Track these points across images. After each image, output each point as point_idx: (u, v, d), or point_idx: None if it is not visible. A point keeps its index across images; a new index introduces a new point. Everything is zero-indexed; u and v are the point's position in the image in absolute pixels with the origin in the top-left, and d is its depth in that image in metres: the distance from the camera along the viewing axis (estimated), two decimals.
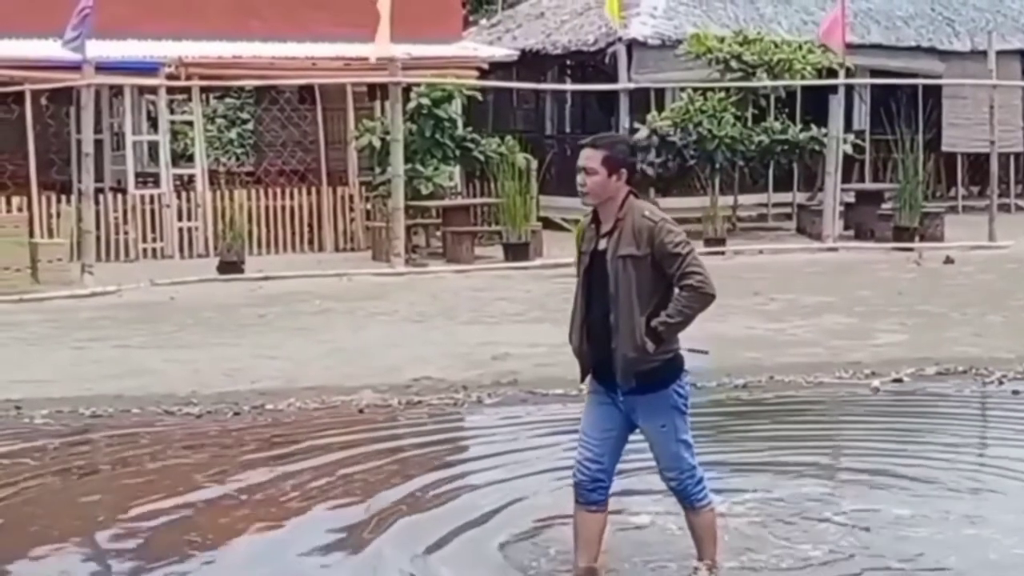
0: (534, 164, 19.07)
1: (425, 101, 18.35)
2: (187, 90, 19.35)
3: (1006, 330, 12.31)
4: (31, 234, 16.11)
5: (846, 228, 20.00)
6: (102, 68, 16.70)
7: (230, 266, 16.43)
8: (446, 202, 18.87)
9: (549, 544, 6.53)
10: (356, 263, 17.39)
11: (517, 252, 17.16)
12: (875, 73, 22.70)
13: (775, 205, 22.18)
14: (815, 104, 20.60)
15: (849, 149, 19.95)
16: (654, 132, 19.75)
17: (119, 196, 18.23)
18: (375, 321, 13.21)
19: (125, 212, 17.99)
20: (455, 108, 18.99)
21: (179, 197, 18.39)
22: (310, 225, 18.95)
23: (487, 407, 9.85)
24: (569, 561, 6.13)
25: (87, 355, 11.48)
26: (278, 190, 18.99)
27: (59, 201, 17.47)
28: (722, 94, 19.92)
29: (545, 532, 6.75)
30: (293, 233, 18.85)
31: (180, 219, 18.22)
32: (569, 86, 24.61)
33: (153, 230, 18.11)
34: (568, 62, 25.08)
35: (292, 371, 10.72)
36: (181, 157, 22.09)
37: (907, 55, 23.51)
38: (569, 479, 6.07)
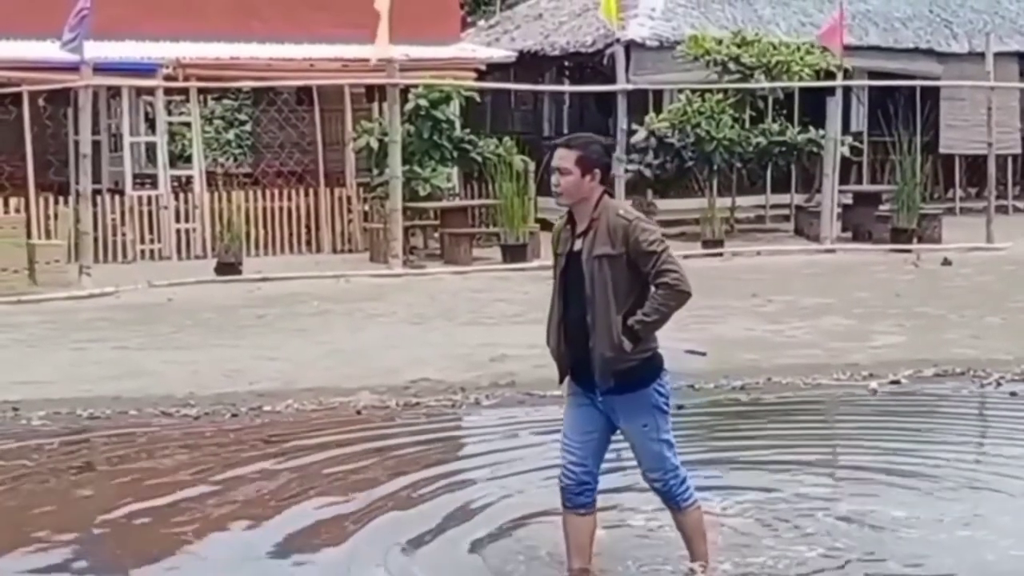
0: (532, 165, 19.07)
1: (423, 102, 18.36)
2: (185, 91, 19.35)
3: (1004, 332, 12.32)
4: (29, 235, 16.10)
5: (844, 230, 20.02)
6: (100, 69, 16.70)
7: (228, 267, 16.43)
8: (444, 203, 18.87)
9: (528, 541, 6.57)
10: (354, 264, 17.39)
11: (515, 253, 17.16)
12: (873, 75, 22.71)
13: (773, 207, 22.19)
14: (813, 106, 20.62)
15: (847, 151, 19.96)
16: (652, 133, 19.76)
17: (117, 197, 18.21)
18: (373, 322, 13.21)
19: (123, 213, 17.98)
20: (453, 109, 19.00)
21: (177, 198, 18.38)
22: (308, 226, 18.94)
23: (485, 408, 9.85)
24: (551, 559, 6.16)
25: (85, 356, 11.48)
26: (276, 191, 18.99)
27: (57, 202, 17.47)
28: (720, 96, 19.93)
29: (527, 531, 6.79)
30: (291, 234, 18.85)
31: (178, 220, 18.21)
32: (567, 87, 24.60)
33: (151, 231, 18.10)
34: (566, 63, 25.07)
35: (290, 372, 10.72)
36: (179, 158, 22.08)
37: (905, 57, 23.51)
38: (556, 479, 6.07)
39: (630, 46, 21.23)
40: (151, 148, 19.81)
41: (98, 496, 7.84)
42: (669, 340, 11.60)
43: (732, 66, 20.29)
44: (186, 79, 18.52)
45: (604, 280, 5.65)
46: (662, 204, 20.85)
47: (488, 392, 10.10)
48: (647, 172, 19.83)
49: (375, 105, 19.76)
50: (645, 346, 5.73)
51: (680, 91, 20.41)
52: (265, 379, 10.47)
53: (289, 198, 18.90)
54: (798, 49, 20.61)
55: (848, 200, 20.61)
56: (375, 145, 18.15)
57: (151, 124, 20.47)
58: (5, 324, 13.10)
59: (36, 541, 6.91)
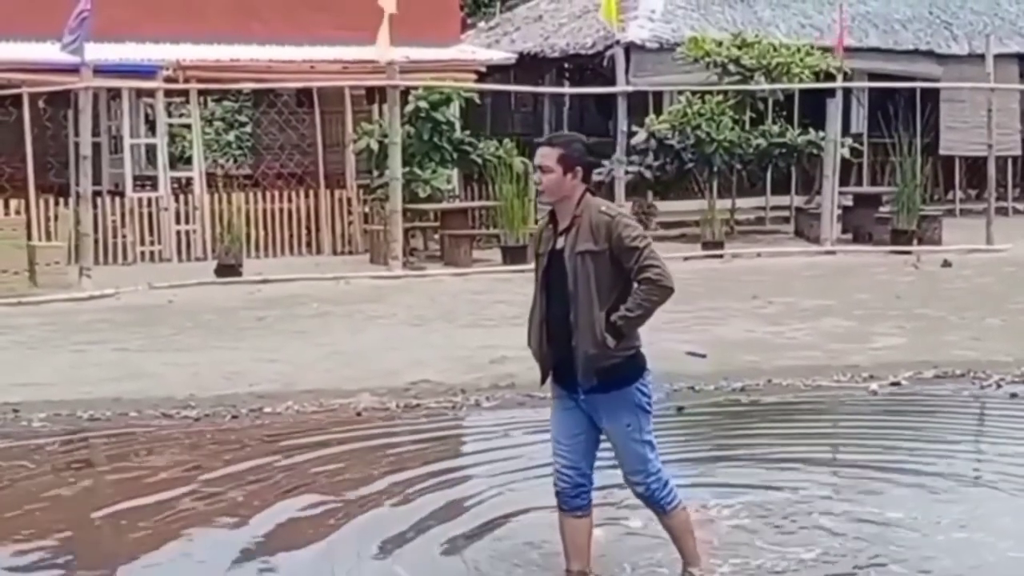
0: (532, 167, 19.05)
1: (423, 104, 18.36)
2: (185, 93, 19.35)
3: (1004, 333, 12.32)
4: (29, 237, 16.09)
5: (844, 231, 20.03)
6: (100, 71, 16.70)
7: (228, 269, 16.43)
8: (444, 205, 18.87)
9: (516, 540, 6.64)
10: (354, 266, 17.39)
11: (515, 255, 17.14)
12: (873, 76, 22.72)
13: (773, 208, 22.20)
14: (813, 107, 20.63)
15: (847, 152, 19.97)
16: (652, 135, 19.77)
17: (117, 199, 18.21)
18: (373, 324, 13.21)
19: (123, 215, 17.97)
20: (453, 111, 19.00)
21: (177, 200, 18.38)
22: (308, 228, 18.95)
23: (485, 410, 9.86)
24: (542, 559, 6.20)
25: (85, 358, 11.48)
26: (276, 193, 18.99)
27: (57, 204, 17.47)
28: (720, 97, 19.94)
29: (514, 529, 6.85)
30: (291, 236, 18.85)
31: (178, 222, 18.21)
32: (567, 89, 24.61)
33: (151, 233, 18.10)
34: (566, 65, 25.10)
35: (290, 374, 10.72)
36: (179, 160, 22.08)
37: (905, 58, 23.53)
38: (546, 476, 6.09)
39: (630, 48, 21.24)
40: (151, 150, 19.80)
41: (91, 494, 7.91)
42: (670, 342, 11.70)
43: (732, 68, 20.30)
44: (186, 81, 18.52)
45: (587, 276, 5.65)
46: (662, 206, 20.87)
47: (488, 394, 10.11)
48: (647, 174, 19.84)
49: (375, 107, 19.77)
50: (628, 343, 5.73)
51: (680, 93, 20.42)
52: (265, 381, 10.48)
53: (289, 200, 18.90)
54: (798, 51, 20.62)
55: (848, 202, 20.62)
56: (375, 147, 18.16)
57: (151, 126, 20.46)
58: (5, 326, 13.10)
59: (31, 539, 6.96)
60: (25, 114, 17.30)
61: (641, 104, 20.74)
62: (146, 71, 18.32)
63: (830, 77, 20.24)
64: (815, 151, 19.93)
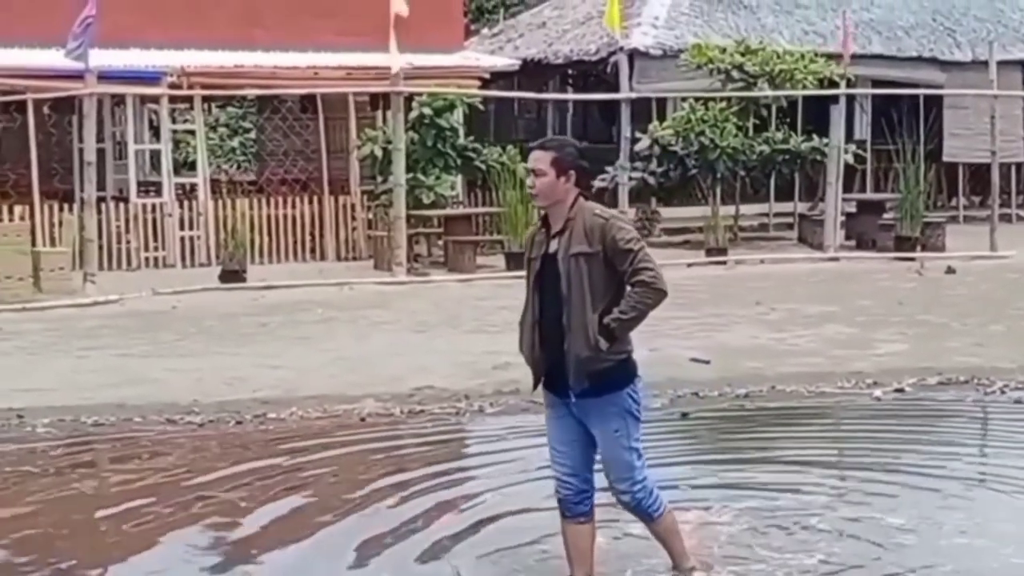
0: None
1: (427, 110, 18.39)
2: (189, 99, 19.38)
3: (1007, 340, 12.31)
4: (33, 243, 16.13)
5: (847, 238, 20.02)
6: (104, 77, 16.74)
7: (232, 275, 16.45)
8: (448, 211, 18.90)
9: (511, 544, 6.66)
10: (358, 272, 17.40)
11: (519, 261, 17.06)
12: (876, 83, 22.75)
13: (776, 215, 22.21)
14: (816, 114, 20.65)
15: (850, 159, 19.98)
16: (655, 142, 19.79)
17: (121, 205, 18.24)
18: (377, 330, 13.22)
19: (127, 221, 18.00)
20: (457, 117, 19.03)
21: (181, 206, 18.41)
22: (312, 234, 18.97)
23: (489, 416, 9.86)
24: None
25: (89, 364, 11.50)
26: (280, 199, 19.01)
27: (61, 210, 17.49)
28: (723, 104, 19.96)
29: (511, 535, 6.86)
30: (295, 242, 18.86)
31: (182, 228, 18.24)
32: (571, 95, 24.67)
33: (155, 239, 18.13)
34: (570, 71, 25.14)
35: (294, 380, 10.73)
36: (183, 166, 22.11)
37: (908, 65, 23.56)
38: (547, 480, 6.10)
39: (633, 54, 21.29)
40: (155, 156, 19.85)
41: (91, 497, 7.96)
42: (674, 348, 11.71)
43: (736, 74, 20.31)
44: (190, 87, 18.55)
45: (580, 278, 5.65)
46: (666, 212, 20.89)
47: (492, 400, 10.10)
48: (651, 180, 19.86)
49: (379, 113, 19.81)
50: (620, 347, 5.72)
51: (684, 99, 20.44)
52: (269, 387, 10.49)
53: (293, 206, 18.92)
54: (802, 57, 20.64)
55: (852, 208, 20.62)
56: (379, 153, 18.19)
57: (155, 132, 20.52)
58: (10, 331, 13.12)
59: (31, 540, 7.02)
60: (30, 120, 17.32)
61: (645, 111, 20.77)
62: (150, 77, 18.35)
63: (833, 84, 20.25)
64: (819, 158, 19.94)
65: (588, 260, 5.65)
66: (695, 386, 10.46)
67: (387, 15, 17.13)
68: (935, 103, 22.92)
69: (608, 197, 18.79)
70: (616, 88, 20.19)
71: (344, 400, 10.09)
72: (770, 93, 20.26)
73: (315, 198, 19.11)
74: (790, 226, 21.62)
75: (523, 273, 5.95)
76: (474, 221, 19.20)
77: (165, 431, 9.44)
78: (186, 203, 18.53)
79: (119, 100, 19.60)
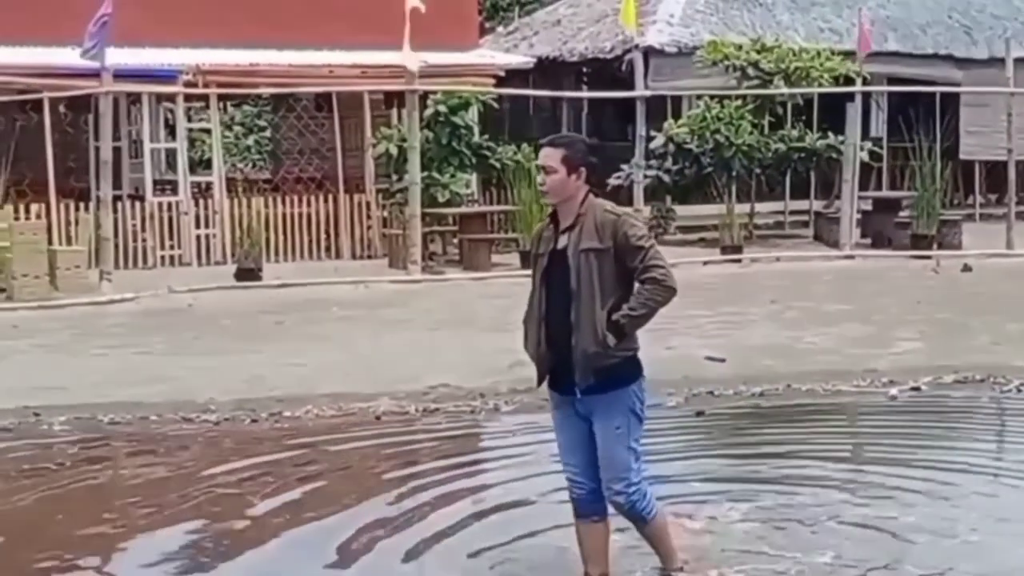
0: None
1: (442, 109, 18.40)
2: (205, 98, 19.40)
3: None
4: (50, 241, 16.17)
5: (863, 236, 19.97)
6: (120, 76, 16.77)
7: (248, 273, 16.48)
8: (463, 209, 18.90)
9: (526, 542, 6.69)
10: (373, 270, 17.42)
11: None
12: (892, 81, 22.67)
13: (792, 213, 22.15)
14: (832, 112, 20.59)
15: (866, 157, 19.93)
16: (671, 140, 19.77)
17: (137, 203, 18.28)
18: (392, 328, 13.23)
19: (143, 219, 18.04)
20: (472, 116, 19.03)
21: (197, 204, 18.44)
22: (327, 232, 18.98)
23: (504, 414, 9.87)
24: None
25: (105, 362, 11.53)
26: (295, 197, 19.03)
27: (77, 208, 17.53)
28: (739, 102, 19.92)
29: (525, 532, 6.89)
30: (310, 240, 18.88)
31: (198, 226, 18.27)
32: (585, 93, 24.63)
33: (171, 237, 18.16)
34: (585, 69, 25.11)
35: (309, 378, 10.74)
36: (199, 164, 22.15)
37: (924, 63, 23.49)
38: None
39: (648, 52, 21.26)
40: (171, 154, 19.87)
41: (104, 493, 8.09)
42: (689, 346, 11.70)
43: (751, 72, 20.27)
44: (206, 86, 18.57)
45: (590, 274, 5.65)
46: (681, 210, 20.85)
47: (507, 398, 10.11)
48: (666, 178, 19.84)
49: (394, 111, 19.79)
50: (627, 345, 5.71)
51: (699, 97, 20.41)
52: (284, 385, 10.50)
53: (308, 204, 18.94)
54: (818, 55, 20.59)
55: (868, 206, 20.56)
56: (394, 151, 18.19)
57: (171, 130, 20.53)
58: (26, 330, 13.16)
59: (39, 529, 7.04)
60: (46, 119, 17.37)
61: (660, 109, 20.73)
62: (166, 76, 18.39)
63: (849, 81, 20.20)
64: (834, 155, 19.88)
65: (598, 256, 5.65)
66: (710, 384, 10.45)
67: (402, 13, 17.13)
68: (952, 101, 22.84)
69: (623, 195, 18.77)
70: (631, 86, 20.15)
71: (359, 398, 10.10)
72: (786, 91, 20.21)
73: (330, 196, 19.12)
74: (806, 224, 21.57)
75: None
76: (489, 219, 19.20)
77: (181, 429, 9.47)
78: (202, 201, 18.56)
79: (135, 99, 19.64)
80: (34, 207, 17.20)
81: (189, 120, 19.41)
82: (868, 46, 20.16)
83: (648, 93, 19.86)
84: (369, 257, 18.87)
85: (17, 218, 16.50)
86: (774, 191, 22.01)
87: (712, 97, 20.02)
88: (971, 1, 24.83)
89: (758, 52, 20.45)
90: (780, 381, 10.57)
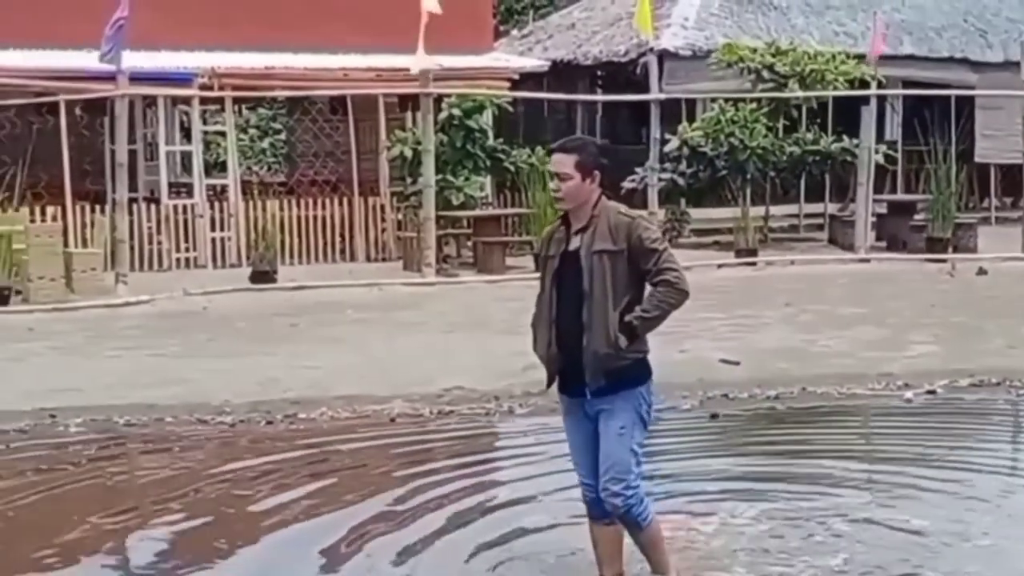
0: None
1: (456, 112, 18.42)
2: (220, 101, 19.45)
3: None
4: (65, 244, 16.22)
5: (878, 239, 19.93)
6: (136, 79, 16.82)
7: (262, 276, 16.51)
8: (477, 212, 18.92)
9: (540, 544, 6.71)
10: (387, 273, 17.44)
11: None
12: (907, 84, 22.64)
13: (807, 216, 22.12)
14: (847, 115, 20.56)
15: (881, 160, 19.90)
16: (685, 143, 19.76)
17: (153, 206, 18.33)
18: (407, 331, 13.25)
19: (158, 222, 18.09)
20: (486, 119, 19.04)
21: (212, 207, 18.48)
22: (342, 235, 19.01)
23: (518, 416, 9.88)
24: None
25: (121, 364, 11.56)
26: (310, 200, 19.07)
27: (93, 211, 17.58)
28: (753, 105, 19.90)
29: (539, 534, 6.92)
30: (325, 243, 18.91)
31: (213, 229, 18.32)
32: (600, 97, 24.64)
33: (186, 240, 18.20)
34: (599, 72, 25.11)
35: (324, 380, 10.76)
36: (214, 167, 22.20)
37: (940, 66, 23.45)
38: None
39: (663, 55, 21.25)
40: (186, 157, 19.93)
41: (119, 493, 8.14)
42: (704, 349, 11.68)
43: (766, 75, 20.26)
44: (221, 89, 18.62)
45: (603, 275, 5.65)
46: (695, 213, 20.84)
47: (521, 400, 10.12)
48: (680, 181, 19.83)
49: (408, 114, 19.83)
50: (638, 347, 5.72)
51: (713, 100, 20.40)
52: (299, 387, 10.53)
53: (323, 207, 18.97)
54: (832, 58, 20.57)
55: (882, 209, 20.52)
56: (409, 154, 18.21)
57: (186, 133, 20.60)
58: (42, 332, 13.20)
59: (46, 531, 7.09)
60: (62, 122, 17.42)
61: (674, 112, 20.72)
62: (182, 79, 18.44)
63: (864, 85, 20.17)
64: (849, 158, 19.86)
65: (612, 258, 5.66)
66: (725, 387, 10.45)
67: (417, 17, 17.16)
68: (967, 104, 22.80)
69: (638, 198, 18.77)
70: (646, 89, 20.14)
71: (374, 400, 10.12)
72: (800, 94, 20.19)
73: (345, 199, 19.15)
74: (820, 227, 21.54)
75: None
76: (503, 222, 19.22)
77: (196, 431, 9.50)
78: (217, 204, 18.60)
79: (150, 102, 19.69)
80: (50, 209, 17.24)
81: (204, 123, 19.45)
82: (879, 50, 20.12)
83: (662, 96, 19.85)
84: (383, 260, 18.89)
85: (33, 220, 16.55)
86: (788, 194, 21.98)
87: (727, 100, 20.01)
88: (986, 4, 24.78)
89: (773, 55, 20.43)
90: (795, 384, 10.56)
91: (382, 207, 19.19)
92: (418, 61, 17.35)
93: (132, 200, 17.41)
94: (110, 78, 16.28)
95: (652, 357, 5.83)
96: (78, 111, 19.44)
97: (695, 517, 7.09)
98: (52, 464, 8.65)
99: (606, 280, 5.65)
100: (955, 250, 18.72)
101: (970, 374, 10.87)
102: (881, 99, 20.80)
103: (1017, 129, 20.19)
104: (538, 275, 6.00)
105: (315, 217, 18.88)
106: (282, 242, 17.93)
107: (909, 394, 10.36)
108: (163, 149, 19.22)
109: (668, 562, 5.97)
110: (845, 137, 20.06)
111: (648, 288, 5.72)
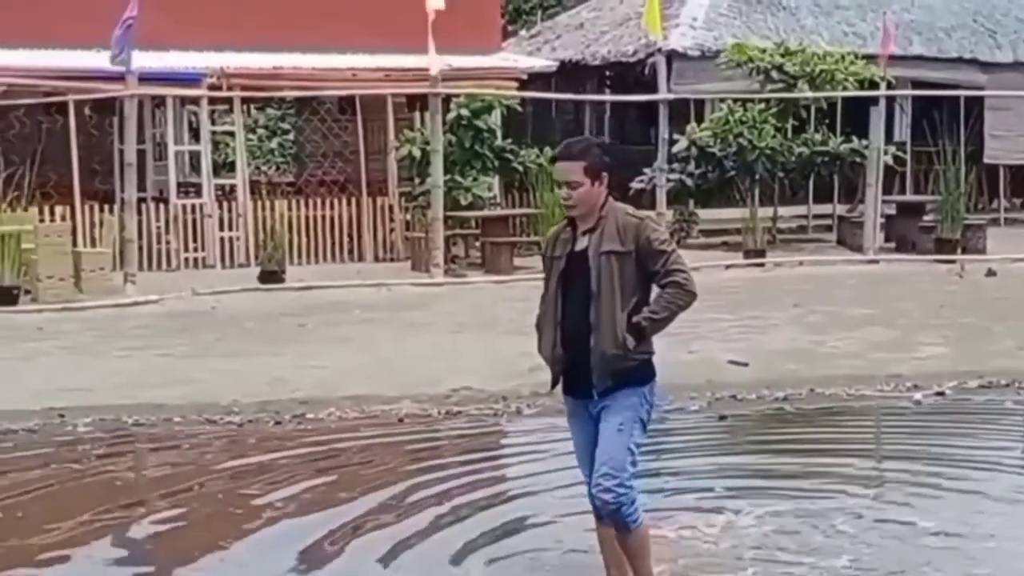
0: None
1: (465, 112, 18.42)
2: (228, 101, 19.45)
3: None
4: (74, 243, 16.24)
5: (887, 240, 19.90)
6: (145, 79, 16.84)
7: (271, 276, 16.53)
8: (485, 213, 18.92)
9: (546, 546, 6.70)
10: (396, 273, 17.45)
11: None
12: (916, 84, 22.61)
13: (815, 217, 22.10)
14: (856, 115, 20.53)
15: (890, 161, 19.86)
16: (693, 143, 19.74)
17: (161, 206, 18.35)
18: (415, 331, 13.25)
19: (167, 222, 18.11)
20: (494, 119, 19.04)
21: (220, 207, 18.50)
22: (350, 235, 19.02)
23: (526, 417, 9.88)
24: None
25: (129, 364, 11.57)
26: (318, 200, 19.09)
27: (102, 211, 17.59)
28: (762, 105, 19.89)
29: (545, 536, 6.93)
30: (333, 243, 18.92)
31: (221, 229, 18.33)
32: (608, 97, 24.64)
33: (195, 240, 18.22)
34: (607, 73, 25.11)
35: (332, 380, 10.77)
36: (222, 167, 22.21)
37: (949, 66, 23.41)
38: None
39: (672, 55, 21.23)
40: (195, 157, 19.94)
41: (125, 491, 8.19)
42: (712, 350, 11.67)
43: (775, 75, 20.24)
44: (230, 89, 18.64)
45: (611, 276, 5.64)
46: (704, 214, 20.83)
47: (529, 401, 10.12)
48: (689, 182, 19.82)
49: (417, 114, 19.84)
50: (645, 348, 5.71)
51: (722, 100, 20.38)
52: (308, 387, 10.54)
53: (331, 207, 18.99)
54: (842, 59, 20.54)
55: (891, 210, 20.49)
56: (417, 154, 18.22)
57: (195, 133, 20.61)
58: (51, 331, 13.22)
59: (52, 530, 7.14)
60: (71, 121, 17.44)
61: (682, 112, 20.71)
62: (190, 79, 18.46)
63: (873, 85, 20.14)
64: (858, 159, 19.84)
65: (619, 259, 5.65)
66: (733, 388, 10.44)
67: (425, 17, 17.16)
68: (976, 105, 22.76)
69: (646, 199, 18.76)
70: (654, 89, 20.13)
71: (382, 401, 10.13)
72: (809, 94, 20.17)
73: (353, 199, 19.16)
74: (829, 228, 21.52)
75: None
76: (511, 222, 19.21)
77: (204, 431, 9.51)
78: (225, 204, 18.62)
79: (159, 102, 19.71)
80: (59, 209, 17.27)
81: (213, 123, 19.47)
82: (890, 47, 20.07)
83: (671, 96, 19.83)
84: (391, 260, 18.90)
85: (42, 220, 16.58)
86: (797, 195, 21.96)
87: (735, 100, 19.99)
88: (996, 4, 24.73)
89: (782, 56, 20.41)
90: (803, 385, 10.56)
91: (390, 207, 19.20)
92: (434, 62, 17.35)
93: (141, 200, 17.44)
94: (119, 78, 16.30)
95: (660, 358, 5.82)
96: (87, 111, 19.48)
97: (702, 515, 7.09)
98: (60, 463, 8.66)
99: (614, 281, 5.64)
100: (964, 251, 18.69)
101: (979, 376, 10.86)
102: (890, 100, 20.77)
103: None
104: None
105: (323, 217, 18.89)
106: (290, 242, 17.94)
107: (918, 395, 10.35)
108: (172, 149, 19.24)
109: (651, 572, 5.89)
110: (854, 138, 20.04)
111: (655, 289, 5.71)
